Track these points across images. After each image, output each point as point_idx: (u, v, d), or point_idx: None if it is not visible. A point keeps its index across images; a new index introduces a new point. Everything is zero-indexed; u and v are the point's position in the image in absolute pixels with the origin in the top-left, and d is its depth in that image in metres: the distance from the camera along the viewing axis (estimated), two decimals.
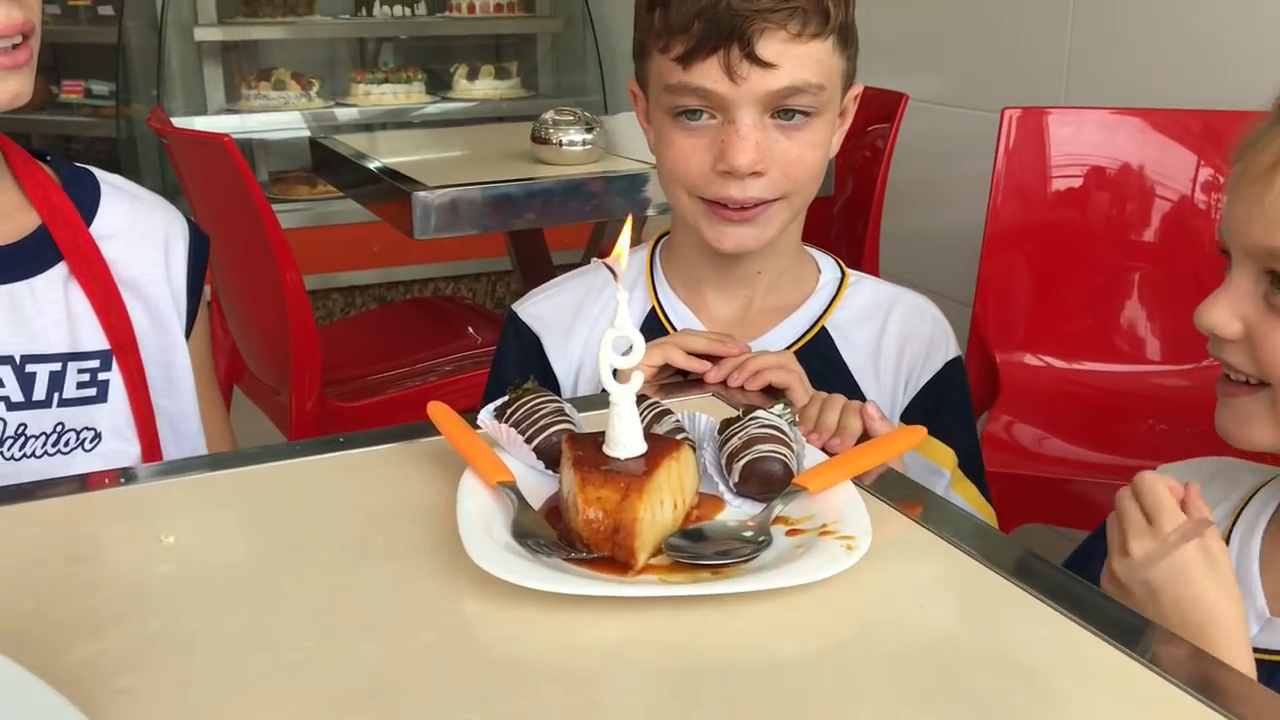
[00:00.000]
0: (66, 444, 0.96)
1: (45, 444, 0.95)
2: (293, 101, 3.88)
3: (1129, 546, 0.75)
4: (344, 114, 3.93)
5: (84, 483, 0.81)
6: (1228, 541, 0.87)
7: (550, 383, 1.13)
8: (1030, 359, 2.00)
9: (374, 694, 0.58)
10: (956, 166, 2.48)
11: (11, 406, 0.94)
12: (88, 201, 1.01)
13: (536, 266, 2.45)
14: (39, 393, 0.95)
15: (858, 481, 0.80)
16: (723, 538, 0.71)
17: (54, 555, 0.71)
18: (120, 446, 1.00)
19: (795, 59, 1.01)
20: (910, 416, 1.12)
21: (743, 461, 0.76)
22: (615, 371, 0.71)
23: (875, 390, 1.13)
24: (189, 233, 1.07)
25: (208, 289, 1.10)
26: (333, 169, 2.33)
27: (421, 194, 1.82)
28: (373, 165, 2.11)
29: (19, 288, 0.96)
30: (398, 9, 4.03)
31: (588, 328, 1.14)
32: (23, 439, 0.94)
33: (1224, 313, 0.80)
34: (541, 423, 0.79)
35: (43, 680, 0.53)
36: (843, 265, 1.20)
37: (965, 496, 1.09)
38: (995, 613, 0.66)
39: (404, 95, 4.01)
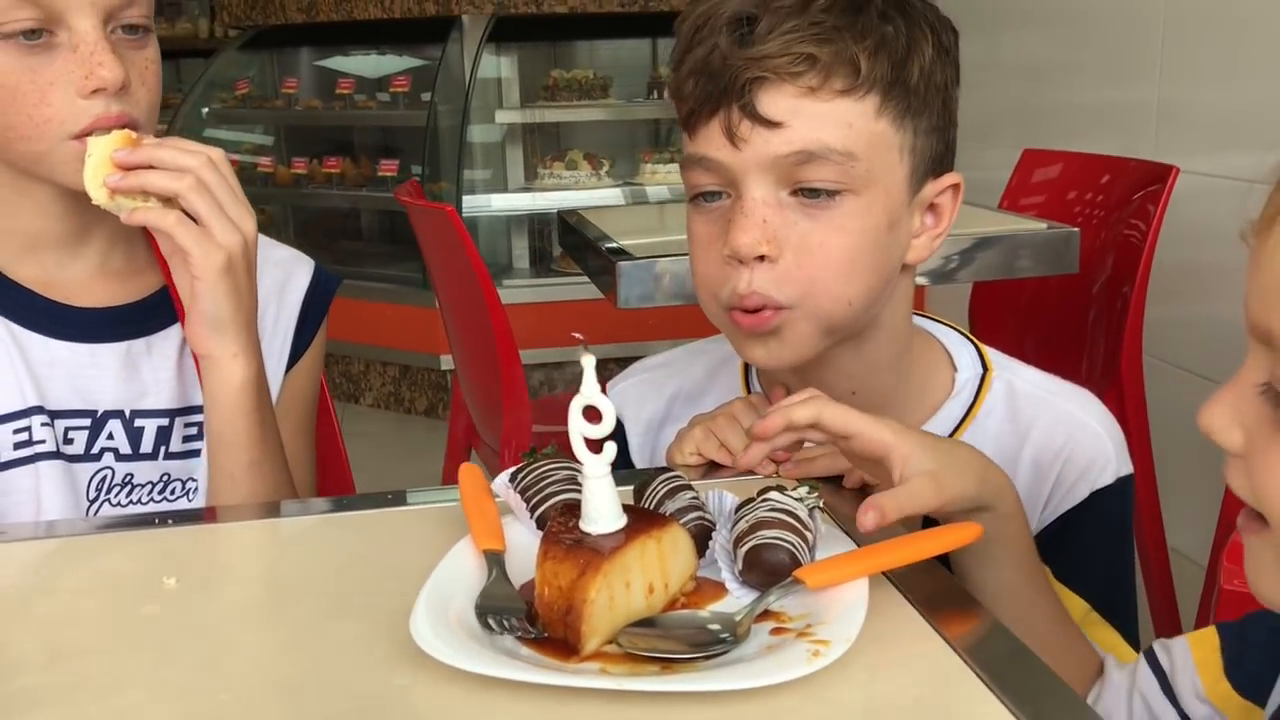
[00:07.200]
0: (172, 492, 1.02)
1: (151, 492, 1.01)
2: (583, 181, 4.05)
3: None
4: (632, 192, 4.05)
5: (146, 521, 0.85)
6: None
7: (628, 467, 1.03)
8: None
9: None
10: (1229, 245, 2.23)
11: (120, 457, 1.00)
12: None
13: None
14: (146, 446, 1.01)
15: (897, 583, 0.71)
16: (684, 630, 0.64)
17: (64, 589, 0.75)
18: None
19: (810, 118, 0.85)
20: (1042, 546, 0.94)
21: (746, 547, 0.69)
22: (586, 441, 0.66)
23: None
24: (314, 272, 1.11)
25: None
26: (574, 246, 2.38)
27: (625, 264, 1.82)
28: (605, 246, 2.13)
29: (137, 344, 1.02)
30: None
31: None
32: (129, 487, 1.00)
33: (1224, 414, 0.58)
34: (547, 491, 0.75)
35: None
36: (985, 355, 1.00)
37: (1100, 641, 0.93)
38: None
39: None
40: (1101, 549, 0.97)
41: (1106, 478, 0.96)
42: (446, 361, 3.76)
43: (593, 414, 0.65)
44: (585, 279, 2.16)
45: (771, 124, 0.85)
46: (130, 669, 0.64)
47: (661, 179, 4.07)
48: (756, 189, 0.87)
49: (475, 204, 3.93)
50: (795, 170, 0.86)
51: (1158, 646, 0.80)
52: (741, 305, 0.88)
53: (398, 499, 0.87)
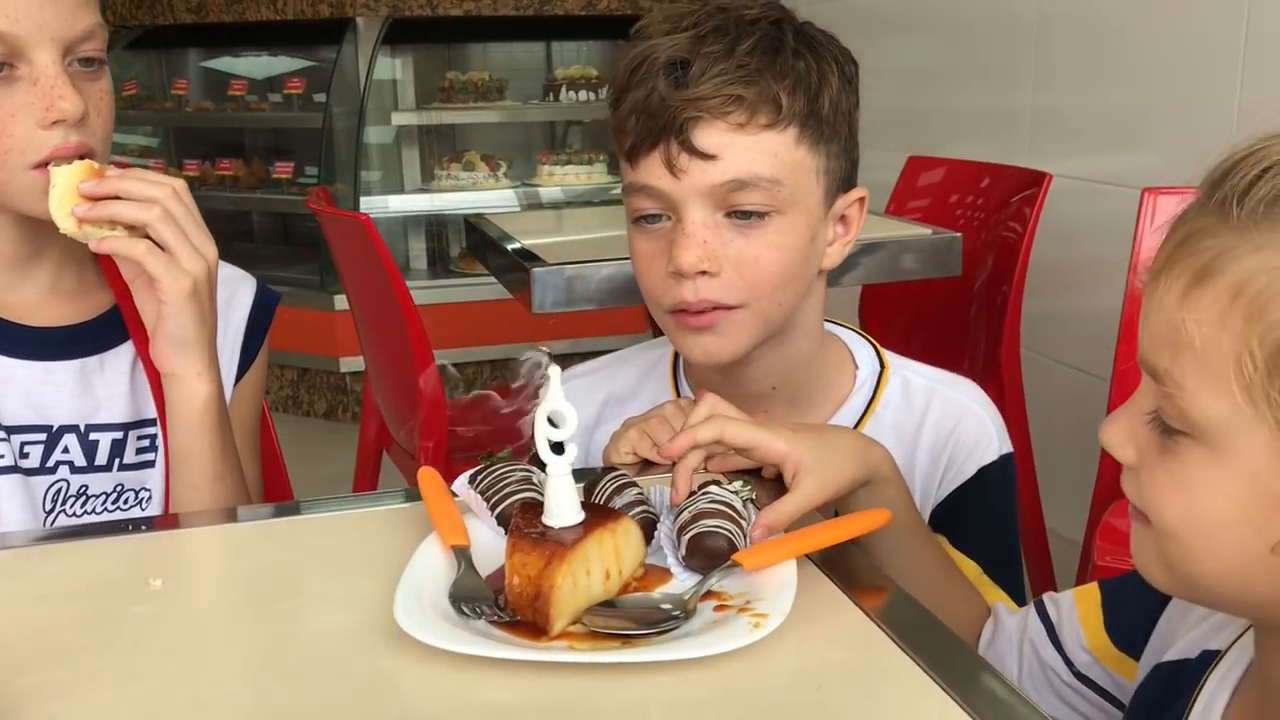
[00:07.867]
0: (126, 502, 1.06)
1: (105, 502, 1.05)
2: (481, 182, 4.09)
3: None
4: (528, 194, 4.11)
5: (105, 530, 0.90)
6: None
7: None
8: None
9: None
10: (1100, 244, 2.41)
11: (75, 470, 1.05)
12: None
13: None
14: (100, 458, 1.06)
15: (820, 564, 0.80)
16: (640, 609, 0.73)
17: (55, 592, 0.80)
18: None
19: (741, 150, 0.95)
20: (936, 521, 1.07)
21: (688, 535, 0.78)
22: (550, 443, 0.74)
23: None
24: (256, 290, 1.17)
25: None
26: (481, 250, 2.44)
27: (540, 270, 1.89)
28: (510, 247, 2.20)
29: (90, 361, 1.06)
30: (583, 94, 4.20)
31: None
32: (84, 498, 1.05)
33: (1120, 433, 0.68)
34: (505, 490, 0.83)
35: None
36: (881, 354, 1.13)
37: (991, 599, 1.05)
38: (893, 702, 0.66)
39: (585, 176, 4.16)
40: (989, 519, 1.10)
41: (990, 455, 1.08)
42: (346, 364, 3.78)
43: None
44: (486, 279, 2.22)
45: (707, 156, 0.96)
46: (136, 663, 0.70)
47: (558, 180, 4.15)
48: (695, 213, 0.97)
49: (372, 205, 3.94)
50: (729, 196, 0.97)
51: (1047, 599, 0.92)
52: (689, 310, 0.99)
53: (354, 502, 0.94)
